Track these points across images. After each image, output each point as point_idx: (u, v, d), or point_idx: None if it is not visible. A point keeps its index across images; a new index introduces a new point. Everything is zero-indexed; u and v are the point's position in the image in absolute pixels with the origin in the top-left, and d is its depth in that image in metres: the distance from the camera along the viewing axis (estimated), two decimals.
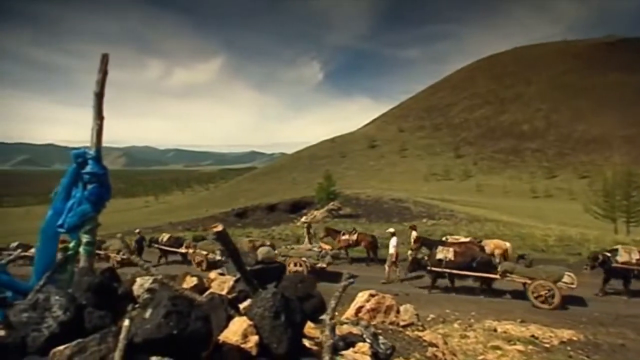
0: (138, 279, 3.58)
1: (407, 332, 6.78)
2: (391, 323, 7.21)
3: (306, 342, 2.81)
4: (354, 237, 16.60)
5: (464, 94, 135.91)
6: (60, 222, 3.75)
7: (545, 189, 69.48)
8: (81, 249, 3.72)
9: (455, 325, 8.21)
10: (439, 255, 11.95)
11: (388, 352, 3.34)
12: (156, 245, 18.15)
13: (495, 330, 7.61)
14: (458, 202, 44.25)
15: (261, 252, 5.84)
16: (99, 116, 3.84)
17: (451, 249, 12.08)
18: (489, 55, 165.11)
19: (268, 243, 16.22)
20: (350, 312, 7.09)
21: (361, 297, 7.39)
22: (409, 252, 13.52)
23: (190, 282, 3.81)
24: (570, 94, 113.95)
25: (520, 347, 6.50)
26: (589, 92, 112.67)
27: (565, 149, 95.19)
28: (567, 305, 10.56)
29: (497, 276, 11.30)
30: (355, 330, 3.66)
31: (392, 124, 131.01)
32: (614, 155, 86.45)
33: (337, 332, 3.21)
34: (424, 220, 30.04)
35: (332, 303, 2.83)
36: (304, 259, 13.38)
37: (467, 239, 15.33)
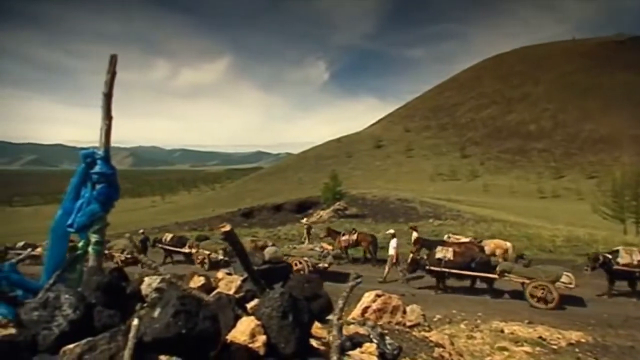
0: (146, 279, 3.61)
1: (414, 333, 6.77)
2: (397, 323, 7.19)
3: (313, 342, 2.81)
4: (354, 237, 16.64)
5: (470, 93, 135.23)
6: (69, 221, 3.78)
7: (553, 189, 68.96)
8: (90, 249, 3.75)
9: (462, 326, 8.17)
10: (438, 255, 11.95)
11: (395, 352, 3.34)
12: (160, 245, 18.27)
13: (502, 331, 7.57)
14: (464, 203, 44.06)
15: (268, 252, 5.86)
16: (108, 116, 3.87)
17: (450, 249, 12.08)
18: (495, 55, 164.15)
19: (270, 243, 16.29)
20: (356, 312, 7.08)
21: (367, 297, 7.39)
22: (411, 255, 13.54)
23: (198, 281, 3.83)
24: (577, 94, 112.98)
25: (527, 348, 6.45)
26: (597, 91, 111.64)
27: (572, 149, 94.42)
28: (575, 306, 10.49)
29: (496, 276, 11.29)
30: (362, 330, 3.66)
31: (398, 124, 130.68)
32: (623, 155, 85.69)
33: (344, 332, 3.21)
34: (431, 220, 29.94)
35: (340, 303, 2.84)
36: (305, 258, 13.41)
37: (468, 239, 15.32)
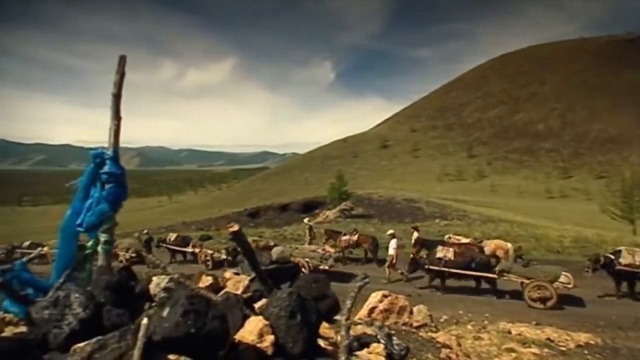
0: (154, 278, 3.63)
1: (421, 333, 6.75)
2: (404, 324, 7.18)
3: (321, 342, 2.81)
4: (355, 237, 16.64)
5: (477, 93, 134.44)
6: (78, 221, 3.82)
7: (561, 190, 68.32)
8: (99, 248, 3.78)
9: (469, 327, 8.13)
10: (439, 255, 11.97)
11: (402, 352, 3.33)
12: (164, 245, 18.42)
13: (509, 332, 7.52)
14: (471, 203, 43.82)
15: (275, 252, 5.87)
16: (117, 117, 3.90)
17: (451, 249, 12.10)
18: (502, 54, 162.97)
19: (272, 243, 16.36)
20: (363, 312, 7.08)
21: (374, 297, 7.38)
22: (411, 255, 13.57)
23: (206, 281, 3.85)
24: (586, 93, 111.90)
25: (535, 350, 6.40)
26: (606, 90, 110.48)
27: (581, 149, 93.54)
28: (584, 308, 10.41)
29: (495, 276, 11.29)
30: (369, 330, 3.66)
31: (404, 124, 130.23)
32: (632, 154, 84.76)
33: (351, 332, 3.21)
34: (437, 220, 29.82)
35: (348, 303, 2.84)
36: (306, 259, 13.43)
37: (468, 240, 15.32)
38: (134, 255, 16.39)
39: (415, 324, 7.28)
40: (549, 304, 10.22)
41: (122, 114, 3.97)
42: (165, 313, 2.23)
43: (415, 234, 15.32)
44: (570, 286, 10.38)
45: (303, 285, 3.35)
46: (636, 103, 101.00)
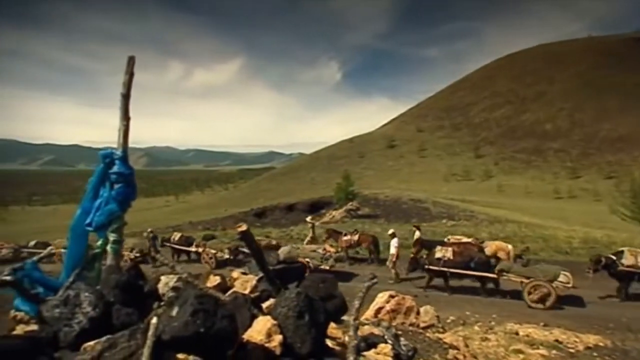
0: (163, 277, 3.66)
1: (428, 334, 6.72)
2: (411, 324, 7.16)
3: (329, 342, 2.82)
4: (355, 237, 16.69)
5: (484, 93, 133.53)
6: (88, 220, 3.85)
7: (569, 190, 67.64)
8: (108, 247, 3.81)
9: (476, 328, 8.09)
10: (438, 254, 12.00)
11: (410, 353, 3.33)
12: (168, 245, 18.57)
13: (517, 333, 7.47)
14: (478, 203, 43.58)
15: (283, 252, 5.88)
16: (126, 117, 3.93)
17: (450, 249, 12.12)
18: (509, 54, 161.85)
19: (274, 242, 16.45)
20: (369, 312, 7.07)
21: (381, 297, 7.36)
22: (411, 254, 13.60)
23: (214, 281, 3.87)
24: (595, 92, 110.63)
25: (543, 351, 6.36)
26: (615, 89, 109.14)
27: (590, 149, 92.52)
28: (593, 310, 10.30)
29: (494, 275, 11.29)
30: (376, 331, 3.65)
31: (410, 124, 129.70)
32: None
33: (359, 332, 3.21)
34: (444, 221, 29.70)
35: (356, 304, 2.84)
36: (307, 259, 13.47)
37: (469, 240, 15.28)
38: (138, 255, 16.54)
39: (422, 325, 7.26)
40: (548, 303, 10.22)
41: (130, 114, 4.00)
42: (174, 312, 2.25)
43: (417, 233, 15.34)
44: (569, 285, 10.36)
45: (310, 285, 3.35)
46: None
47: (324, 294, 3.22)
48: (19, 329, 3.13)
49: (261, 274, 3.53)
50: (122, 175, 3.80)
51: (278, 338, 2.41)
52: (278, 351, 2.38)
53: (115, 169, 3.82)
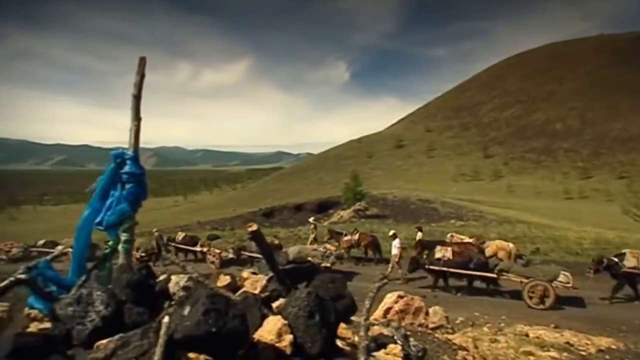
0: (173, 277, 3.68)
1: (437, 335, 6.70)
2: (420, 325, 7.14)
3: (338, 342, 2.82)
4: (356, 237, 16.88)
5: (493, 92, 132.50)
6: (98, 219, 3.89)
7: (580, 190, 66.83)
8: (120, 247, 3.85)
9: (485, 329, 8.02)
10: (438, 254, 12.07)
11: (419, 354, 3.32)
12: (173, 244, 18.72)
13: (527, 335, 7.39)
14: (487, 203, 43.27)
15: (292, 251, 5.89)
16: (137, 117, 3.96)
17: (450, 249, 12.17)
18: (519, 53, 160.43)
19: (276, 242, 16.57)
20: (378, 313, 7.06)
21: (390, 298, 7.35)
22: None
23: (224, 280, 3.88)
24: (606, 91, 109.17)
25: (554, 353, 6.28)
26: (627, 88, 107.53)
27: (601, 149, 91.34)
28: (605, 312, 10.18)
29: (494, 275, 11.32)
30: (386, 331, 3.64)
31: (419, 124, 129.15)
32: None
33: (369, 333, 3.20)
34: (452, 221, 29.54)
35: (367, 304, 2.83)
36: (309, 258, 13.57)
37: (470, 240, 15.33)
38: (143, 254, 16.71)
39: (431, 326, 7.24)
40: (548, 303, 10.21)
41: (141, 114, 4.04)
42: (186, 312, 2.26)
43: (419, 234, 15.44)
44: (569, 285, 10.37)
45: (320, 285, 3.35)
46: None
47: (334, 294, 3.22)
48: (33, 327, 3.17)
49: (271, 274, 3.54)
50: (134, 175, 3.83)
51: (288, 338, 2.41)
52: (289, 351, 2.38)
53: (126, 169, 3.86)
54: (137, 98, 3.94)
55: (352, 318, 3.54)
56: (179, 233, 20.11)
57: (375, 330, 3.75)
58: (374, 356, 2.80)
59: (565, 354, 6.32)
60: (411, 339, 3.56)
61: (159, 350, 2.05)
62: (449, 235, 16.05)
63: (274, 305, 3.07)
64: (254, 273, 4.37)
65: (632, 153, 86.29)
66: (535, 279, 10.57)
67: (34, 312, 3.38)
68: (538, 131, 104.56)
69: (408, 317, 7.19)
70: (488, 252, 13.67)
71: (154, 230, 18.87)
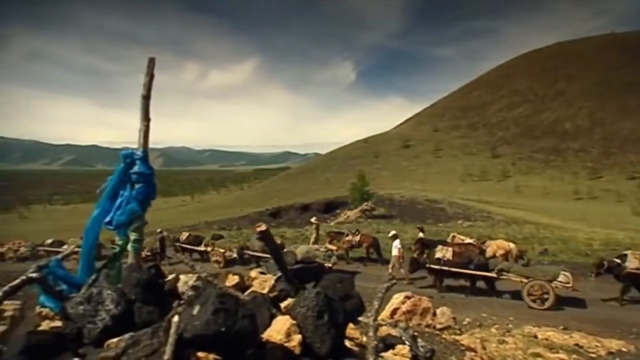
0: (182, 276, 3.70)
1: (444, 336, 6.68)
2: (427, 326, 7.12)
3: (347, 343, 2.82)
4: (357, 238, 16.92)
5: (501, 92, 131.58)
6: (107, 219, 3.93)
7: (589, 191, 66.14)
8: (129, 246, 3.88)
9: (493, 330, 7.96)
10: (438, 255, 12.05)
11: (427, 355, 3.31)
12: (177, 244, 18.86)
13: (535, 336, 7.32)
14: (495, 204, 43.01)
15: (300, 251, 5.89)
16: (146, 118, 3.99)
17: (450, 249, 12.15)
18: (528, 52, 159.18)
19: (279, 241, 16.61)
20: (385, 313, 7.05)
21: (397, 298, 7.34)
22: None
23: (232, 280, 3.90)
24: (616, 90, 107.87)
25: (563, 355, 6.22)
26: (638, 87, 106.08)
27: (611, 148, 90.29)
28: (617, 314, 10.06)
29: (494, 275, 11.28)
30: (394, 332, 3.64)
31: (426, 124, 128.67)
32: None
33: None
34: (460, 221, 29.40)
35: (376, 304, 2.83)
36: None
37: (471, 240, 15.33)
38: (149, 253, 16.85)
39: (438, 326, 7.21)
40: (547, 303, 10.16)
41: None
42: (195, 311, 2.27)
43: (421, 234, 15.48)
44: (569, 285, 10.31)
45: (328, 285, 3.35)
46: None
47: (342, 294, 3.22)
48: (45, 325, 3.21)
49: (279, 274, 3.55)
50: (143, 175, 3.86)
51: (297, 338, 2.41)
52: (297, 351, 2.38)
53: (136, 169, 3.89)
54: (146, 99, 3.96)
55: (360, 318, 3.53)
56: (183, 233, 20.27)
57: (383, 330, 3.75)
58: (382, 357, 2.79)
59: (574, 356, 6.26)
60: (419, 340, 3.55)
61: (169, 349, 2.06)
62: (450, 236, 16.06)
63: (282, 305, 3.07)
64: (262, 273, 4.38)
65: None
66: (535, 279, 10.55)
67: (45, 311, 3.42)
68: (547, 131, 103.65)
69: (415, 317, 7.18)
70: (489, 252, 13.78)
71: (158, 230, 19.01)
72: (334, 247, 15.23)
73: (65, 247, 19.10)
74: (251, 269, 13.94)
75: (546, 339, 7.14)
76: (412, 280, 13.22)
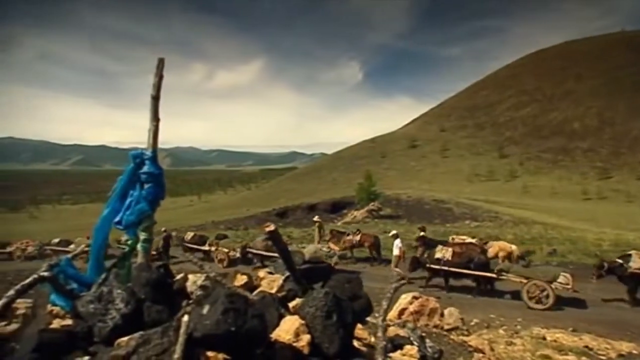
0: (190, 276, 3.73)
1: (452, 337, 6.65)
2: (435, 326, 7.10)
3: (355, 343, 2.81)
4: (357, 237, 16.89)
5: (509, 91, 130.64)
6: (117, 219, 3.96)
7: (598, 191, 65.45)
8: (139, 246, 3.91)
9: (501, 331, 7.92)
10: (438, 255, 12.05)
11: (436, 355, 3.30)
12: (182, 244, 18.99)
13: (544, 338, 7.27)
14: (503, 204, 42.73)
15: (308, 251, 5.90)
16: (155, 118, 4.02)
17: (450, 249, 12.14)
18: (535, 51, 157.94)
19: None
20: (393, 313, 7.04)
21: (404, 299, 7.32)
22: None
23: (241, 280, 3.91)
24: (626, 89, 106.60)
25: (572, 357, 6.17)
26: None
27: (621, 148, 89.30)
28: (628, 316, 9.95)
29: (493, 275, 11.27)
30: (402, 332, 3.63)
31: (433, 124, 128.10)
32: None
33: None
34: (467, 222, 29.25)
35: (384, 304, 2.83)
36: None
37: (472, 240, 15.32)
38: (154, 253, 16.97)
39: (446, 327, 7.19)
40: (547, 304, 10.14)
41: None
42: (205, 311, 2.29)
43: (422, 234, 15.47)
44: (569, 286, 10.27)
45: (336, 285, 3.36)
46: None
47: (350, 294, 3.21)
48: (56, 323, 3.24)
49: (287, 274, 3.55)
50: (152, 175, 3.89)
51: (306, 338, 2.42)
52: (306, 351, 2.39)
53: (145, 169, 3.92)
54: (155, 99, 3.99)
55: (367, 319, 3.53)
56: (188, 232, 20.44)
57: (392, 331, 3.74)
58: (390, 357, 2.79)
59: (584, 358, 6.21)
60: (427, 340, 3.54)
61: (179, 348, 2.08)
62: (450, 239, 16.03)
63: (290, 305, 3.08)
64: (270, 273, 4.39)
65: None
66: (534, 279, 10.53)
67: (56, 309, 3.46)
68: (555, 130, 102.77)
69: (423, 318, 7.15)
70: (490, 253, 13.74)
71: (163, 229, 19.15)
72: (336, 247, 15.28)
73: (71, 246, 19.31)
74: (254, 268, 14.04)
75: (555, 341, 7.08)
76: (412, 281, 13.16)
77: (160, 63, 3.98)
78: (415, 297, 7.40)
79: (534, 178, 78.90)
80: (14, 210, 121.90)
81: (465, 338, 6.47)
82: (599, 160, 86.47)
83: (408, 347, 3.09)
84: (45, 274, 3.13)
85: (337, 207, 40.99)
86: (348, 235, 17.38)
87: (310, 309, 2.58)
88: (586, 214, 41.86)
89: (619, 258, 11.33)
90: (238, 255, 16.30)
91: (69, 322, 3.13)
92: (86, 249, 4.54)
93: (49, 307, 3.52)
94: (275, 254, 14.57)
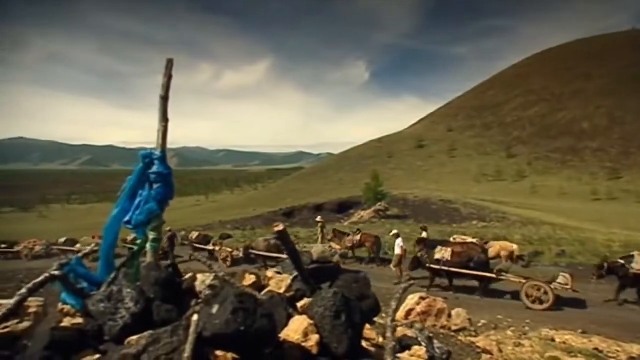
0: (199, 276, 3.75)
1: (460, 338, 6.61)
2: (442, 327, 7.07)
3: (363, 343, 2.81)
4: (358, 237, 17.00)
5: (516, 91, 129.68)
6: (127, 218, 3.99)
7: (608, 191, 64.72)
8: (148, 245, 3.94)
9: (509, 333, 7.86)
10: (437, 255, 12.05)
11: (444, 356, 3.29)
12: (186, 243, 19.13)
13: (553, 340, 7.20)
14: (511, 204, 42.43)
15: (316, 251, 5.90)
16: (164, 118, 4.04)
17: (449, 249, 12.12)
18: (544, 50, 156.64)
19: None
20: (400, 314, 7.02)
21: (412, 299, 7.30)
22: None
23: (249, 279, 3.93)
24: (636, 88, 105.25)
25: (582, 359, 6.12)
26: None
27: (631, 148, 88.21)
28: (638, 318, 9.84)
29: (493, 275, 11.26)
30: (410, 333, 3.62)
31: (440, 124, 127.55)
32: None
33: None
34: (474, 222, 29.08)
35: (393, 305, 2.83)
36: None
37: (473, 240, 15.25)
38: (160, 252, 17.09)
39: (454, 328, 7.16)
40: (546, 304, 10.13)
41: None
42: (214, 310, 2.30)
43: (424, 234, 15.45)
44: (568, 287, 10.26)
45: (344, 285, 3.36)
46: None
47: (358, 294, 3.21)
48: (66, 322, 3.28)
49: (295, 274, 3.56)
50: (161, 175, 3.91)
51: (315, 338, 2.42)
52: (315, 351, 2.39)
53: (154, 169, 3.94)
54: (164, 99, 4.01)
55: (375, 319, 3.53)
56: (193, 232, 20.60)
57: (399, 331, 3.73)
58: (399, 358, 2.78)
59: None
60: (435, 341, 3.53)
61: (189, 347, 2.09)
62: (452, 239, 15.98)
63: (299, 305, 3.09)
64: (278, 273, 4.40)
65: None
66: (534, 279, 10.52)
67: (66, 308, 3.50)
68: (564, 130, 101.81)
69: (430, 319, 7.13)
70: (491, 253, 13.73)
71: (168, 228, 19.32)
72: (337, 247, 15.33)
73: (77, 246, 19.52)
74: (257, 267, 14.09)
75: (564, 343, 7.02)
76: (413, 281, 13.15)
77: (169, 64, 4.00)
78: (422, 298, 7.38)
79: (542, 178, 78.24)
80: (24, 210, 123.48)
81: (473, 339, 6.44)
82: (609, 160, 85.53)
83: (416, 347, 3.08)
84: (56, 272, 3.16)
85: (343, 207, 40.97)
86: (349, 235, 17.55)
87: (319, 309, 2.59)
88: (595, 215, 41.44)
89: (621, 258, 11.27)
90: (241, 255, 16.41)
91: (79, 320, 3.16)
92: (96, 248, 4.58)
93: (60, 305, 3.56)
94: (277, 255, 14.67)
